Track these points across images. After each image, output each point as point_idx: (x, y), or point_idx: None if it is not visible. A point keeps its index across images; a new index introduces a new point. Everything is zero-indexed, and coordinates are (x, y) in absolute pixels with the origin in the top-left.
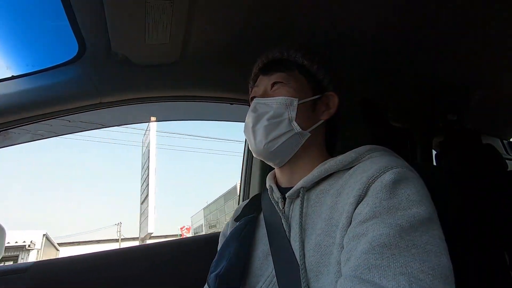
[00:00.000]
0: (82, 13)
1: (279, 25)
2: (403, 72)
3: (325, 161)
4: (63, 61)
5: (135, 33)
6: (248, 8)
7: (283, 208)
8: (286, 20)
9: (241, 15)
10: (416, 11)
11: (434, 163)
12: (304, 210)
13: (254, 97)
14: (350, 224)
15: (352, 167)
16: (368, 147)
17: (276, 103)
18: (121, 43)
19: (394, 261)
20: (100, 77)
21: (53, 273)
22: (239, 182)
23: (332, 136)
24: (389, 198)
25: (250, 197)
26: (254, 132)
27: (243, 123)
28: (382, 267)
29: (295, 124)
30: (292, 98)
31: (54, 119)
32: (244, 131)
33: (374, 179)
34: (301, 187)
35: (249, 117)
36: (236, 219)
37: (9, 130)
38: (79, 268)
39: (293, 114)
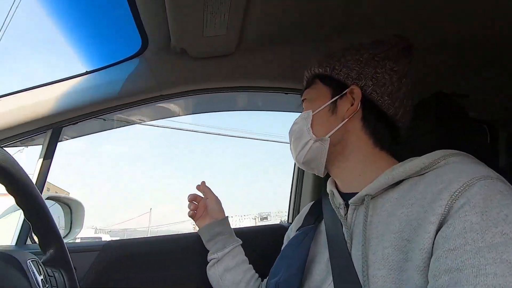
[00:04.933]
0: (144, 8)
1: (337, 12)
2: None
3: (392, 168)
4: (128, 56)
5: (193, 27)
6: None
7: (345, 215)
8: (345, 8)
9: (298, 4)
10: None
11: None
12: (369, 219)
13: None
14: (433, 246)
15: (425, 173)
16: (443, 151)
17: (300, 119)
18: (180, 37)
19: None
20: (160, 70)
21: (123, 252)
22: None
23: (375, 130)
24: (482, 221)
25: (301, 201)
26: (291, 147)
27: (298, 113)
28: None
29: (310, 133)
30: (307, 111)
31: (120, 111)
32: None
33: (458, 194)
34: (365, 194)
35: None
36: (299, 229)
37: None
38: (148, 249)
39: (309, 124)
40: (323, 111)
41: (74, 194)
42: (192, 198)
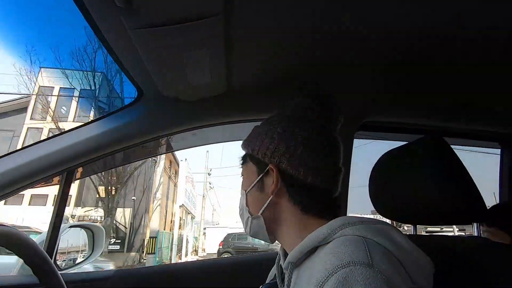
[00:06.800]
0: (130, 66)
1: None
2: None
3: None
4: (127, 104)
5: (177, 79)
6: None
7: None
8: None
9: (276, 46)
10: None
11: None
12: (292, 286)
13: None
14: None
15: (329, 241)
16: (343, 219)
17: (240, 196)
18: (168, 88)
19: None
20: (156, 115)
21: (131, 281)
22: None
23: (301, 199)
24: None
25: None
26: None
27: None
28: None
29: (247, 211)
30: (243, 190)
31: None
32: None
33: (321, 284)
34: (289, 262)
35: None
36: (271, 281)
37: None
38: (156, 278)
39: (245, 203)
40: (253, 189)
41: None
42: None
